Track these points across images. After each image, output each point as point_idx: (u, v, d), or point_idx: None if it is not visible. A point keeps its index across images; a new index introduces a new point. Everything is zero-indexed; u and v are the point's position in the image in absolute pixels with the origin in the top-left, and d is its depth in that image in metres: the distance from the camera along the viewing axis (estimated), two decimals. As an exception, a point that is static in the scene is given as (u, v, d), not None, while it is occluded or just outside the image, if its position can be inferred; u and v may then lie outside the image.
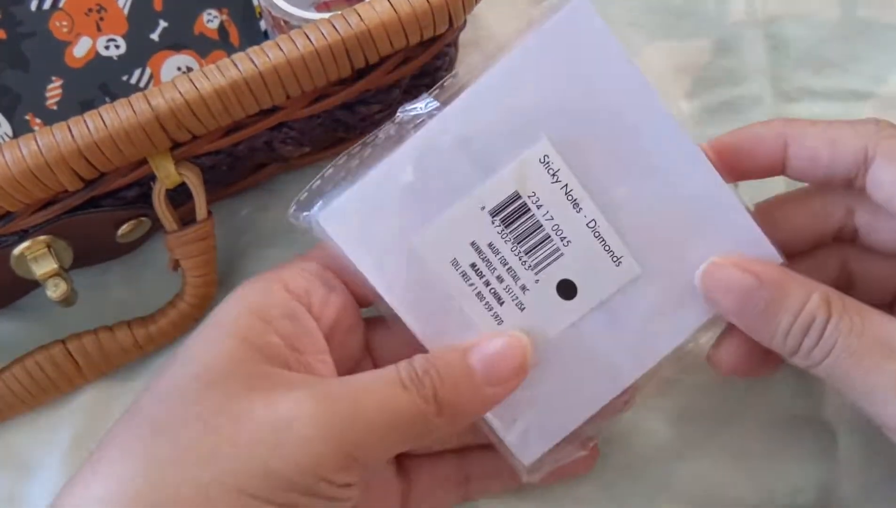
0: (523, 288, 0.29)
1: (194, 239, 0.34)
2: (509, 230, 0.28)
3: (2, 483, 0.35)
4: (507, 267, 0.28)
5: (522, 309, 0.29)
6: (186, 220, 0.34)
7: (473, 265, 0.28)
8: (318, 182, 0.29)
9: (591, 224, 0.28)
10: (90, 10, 0.36)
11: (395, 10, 0.30)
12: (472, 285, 0.28)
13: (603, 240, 0.29)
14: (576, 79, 0.28)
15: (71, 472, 0.34)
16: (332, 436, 0.24)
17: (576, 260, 0.29)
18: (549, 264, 0.29)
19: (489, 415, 0.29)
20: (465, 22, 0.35)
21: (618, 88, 0.28)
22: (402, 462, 0.32)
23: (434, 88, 0.28)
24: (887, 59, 0.40)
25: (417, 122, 0.28)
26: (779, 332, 0.27)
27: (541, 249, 0.29)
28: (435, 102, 0.28)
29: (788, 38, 0.40)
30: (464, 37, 0.39)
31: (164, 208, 0.32)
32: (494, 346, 0.27)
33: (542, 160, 0.28)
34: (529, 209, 0.28)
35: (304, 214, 0.29)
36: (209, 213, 0.34)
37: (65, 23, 0.36)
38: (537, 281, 0.29)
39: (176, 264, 0.35)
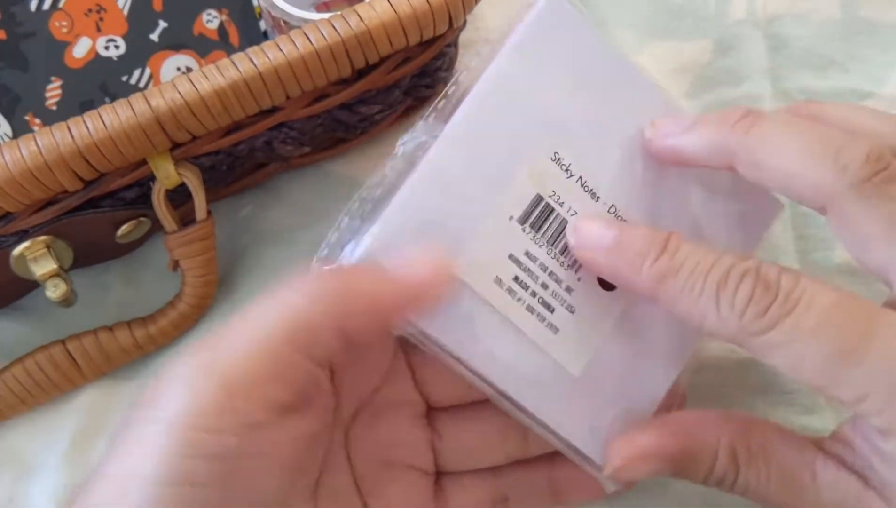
0: (568, 289, 0.28)
1: (194, 239, 0.34)
2: (540, 234, 0.28)
3: (2, 483, 0.35)
4: (548, 272, 0.28)
5: (573, 311, 0.28)
6: (186, 220, 0.34)
7: (517, 279, 0.28)
8: (336, 234, 0.28)
9: (612, 210, 0.28)
10: (90, 10, 0.36)
11: (395, 10, 0.30)
12: (519, 299, 0.28)
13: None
14: (562, 72, 0.28)
15: (71, 472, 0.35)
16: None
17: None
18: None
19: (558, 427, 0.28)
20: (464, 22, 0.35)
21: (603, 72, 0.28)
22: (440, 481, 0.31)
23: (429, 112, 0.28)
24: (888, 59, 0.40)
25: (426, 148, 0.27)
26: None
27: None
28: (434, 125, 0.28)
29: (789, 38, 0.40)
30: (464, 37, 0.39)
31: (164, 208, 0.32)
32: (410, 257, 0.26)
33: (554, 158, 0.28)
34: (554, 209, 0.28)
35: (329, 267, 0.27)
36: (209, 213, 0.34)
37: (64, 23, 0.36)
38: (579, 279, 0.28)
39: (176, 265, 0.35)
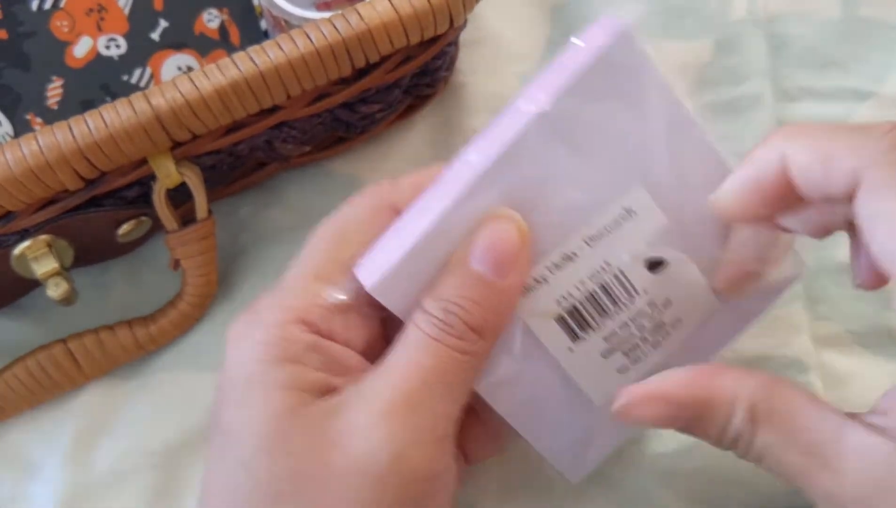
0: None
1: (195, 238, 0.34)
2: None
3: (3, 482, 0.35)
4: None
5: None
6: (187, 219, 0.34)
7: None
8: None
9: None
10: (91, 9, 0.36)
11: (395, 9, 0.30)
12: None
13: None
14: (623, 117, 0.26)
15: (72, 471, 0.35)
16: (412, 441, 0.24)
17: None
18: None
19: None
20: (465, 21, 0.35)
21: (664, 124, 0.27)
22: None
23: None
24: (888, 59, 0.40)
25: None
26: (713, 440, 0.26)
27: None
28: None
29: (790, 38, 0.40)
30: (464, 36, 0.39)
31: (165, 207, 0.32)
32: (487, 239, 0.25)
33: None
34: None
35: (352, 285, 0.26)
36: (209, 212, 0.34)
37: (65, 22, 0.36)
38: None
39: (176, 264, 0.35)
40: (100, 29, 0.36)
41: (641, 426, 0.28)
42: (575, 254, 0.27)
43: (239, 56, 0.30)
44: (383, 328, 0.28)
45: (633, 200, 0.27)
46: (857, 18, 0.40)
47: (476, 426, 0.30)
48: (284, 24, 0.34)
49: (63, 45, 0.36)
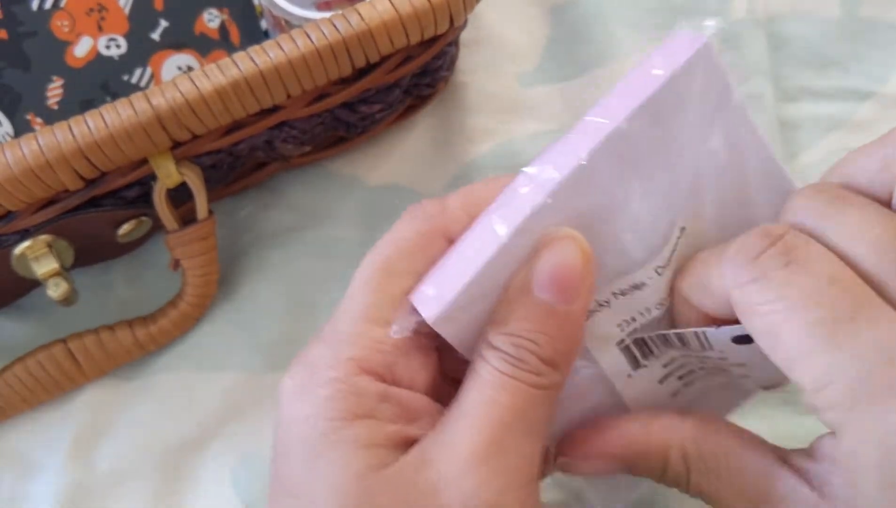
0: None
1: (195, 238, 0.34)
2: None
3: (3, 482, 0.35)
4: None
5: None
6: (187, 219, 0.34)
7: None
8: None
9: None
10: (91, 9, 0.36)
11: (396, 9, 0.30)
12: None
13: None
14: (694, 137, 0.25)
15: (72, 471, 0.35)
16: (503, 486, 0.22)
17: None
18: None
19: None
20: (465, 21, 0.35)
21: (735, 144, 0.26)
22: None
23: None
24: (889, 59, 0.40)
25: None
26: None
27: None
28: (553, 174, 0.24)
29: (789, 37, 0.40)
30: (465, 36, 0.39)
31: (165, 207, 0.32)
32: (551, 266, 0.23)
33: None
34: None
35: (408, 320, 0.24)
36: (210, 212, 0.34)
37: (66, 22, 0.36)
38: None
39: (177, 264, 0.35)
40: (100, 29, 0.36)
41: (583, 476, 0.27)
42: (644, 284, 0.26)
43: (239, 56, 0.30)
44: (440, 362, 0.26)
45: (689, 220, 0.26)
46: (857, 18, 0.40)
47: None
48: (285, 24, 0.34)
49: (63, 45, 0.36)
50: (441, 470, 0.23)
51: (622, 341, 0.26)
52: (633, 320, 0.26)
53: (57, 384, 0.35)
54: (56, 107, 0.36)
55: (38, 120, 0.36)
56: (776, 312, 0.21)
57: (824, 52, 0.40)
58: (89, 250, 0.34)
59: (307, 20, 0.33)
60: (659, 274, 0.26)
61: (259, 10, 0.38)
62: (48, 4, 0.36)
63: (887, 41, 0.40)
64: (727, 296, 0.23)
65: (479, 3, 0.33)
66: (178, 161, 0.31)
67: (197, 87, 0.29)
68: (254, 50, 0.30)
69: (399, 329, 0.24)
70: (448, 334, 0.24)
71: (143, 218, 0.34)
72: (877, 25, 0.40)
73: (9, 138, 0.35)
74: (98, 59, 0.36)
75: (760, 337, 0.22)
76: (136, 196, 0.33)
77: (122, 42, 0.37)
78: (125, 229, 0.34)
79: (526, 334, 0.23)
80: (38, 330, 0.36)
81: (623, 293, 0.26)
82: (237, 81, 0.29)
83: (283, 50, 0.29)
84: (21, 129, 0.36)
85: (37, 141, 0.28)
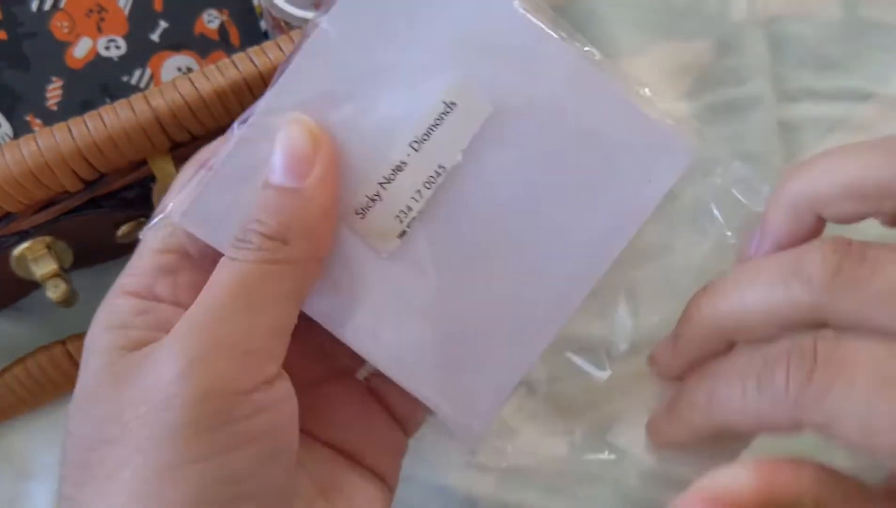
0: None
1: (195, 240, 0.34)
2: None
3: (3, 483, 0.35)
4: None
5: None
6: (187, 220, 0.34)
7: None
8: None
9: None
10: (91, 10, 0.36)
11: (395, 10, 0.30)
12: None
13: None
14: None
15: (71, 473, 0.35)
16: (212, 358, 0.23)
17: None
18: None
19: (421, 390, 0.27)
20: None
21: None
22: (370, 384, 0.30)
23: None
24: (889, 59, 0.39)
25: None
26: None
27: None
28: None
29: (790, 38, 0.40)
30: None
31: (165, 208, 0.32)
32: (275, 150, 0.25)
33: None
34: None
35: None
36: (209, 213, 0.34)
37: (65, 23, 0.36)
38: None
39: (176, 265, 0.35)
40: (100, 30, 0.36)
41: None
42: (404, 163, 0.26)
43: (238, 57, 0.30)
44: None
45: (453, 92, 0.25)
46: (858, 19, 0.40)
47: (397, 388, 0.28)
48: (284, 25, 0.34)
49: (63, 46, 0.36)
50: (151, 355, 0.23)
51: (403, 232, 0.26)
52: (410, 209, 0.26)
53: (56, 385, 0.35)
54: (55, 108, 0.36)
55: (38, 121, 0.36)
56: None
57: (824, 53, 0.40)
58: (89, 252, 0.34)
59: (306, 21, 0.33)
60: (416, 150, 0.25)
61: (259, 10, 0.38)
62: (48, 5, 0.36)
63: (888, 42, 0.40)
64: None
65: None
66: (178, 162, 0.31)
67: (196, 88, 0.29)
68: (253, 51, 0.30)
69: (155, 236, 0.26)
70: (199, 231, 0.25)
71: (143, 219, 0.34)
72: (877, 26, 0.40)
73: (8, 139, 0.35)
74: (97, 60, 0.36)
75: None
76: (136, 197, 0.33)
77: (122, 43, 0.37)
78: (124, 230, 0.34)
79: (254, 216, 0.24)
80: (38, 332, 0.36)
81: (388, 180, 0.26)
82: (236, 82, 0.29)
83: (282, 51, 0.29)
84: (20, 130, 0.36)
85: (36, 142, 0.28)
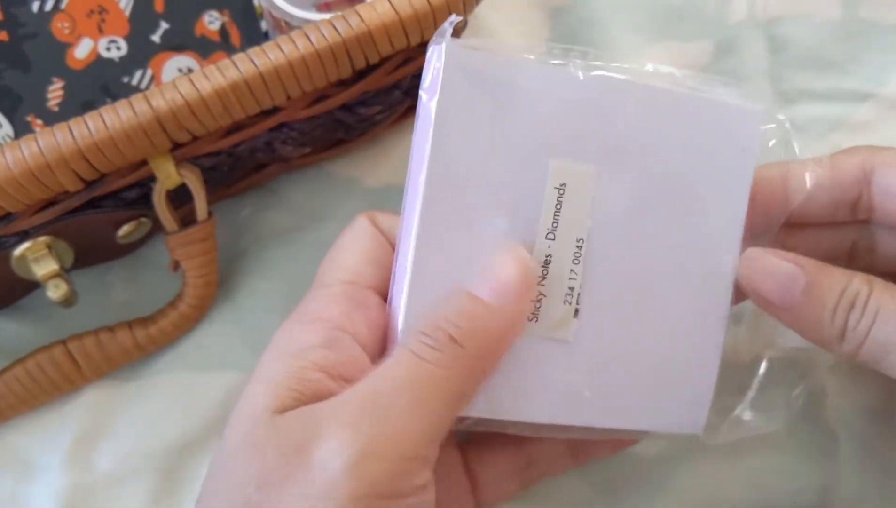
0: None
1: (195, 240, 0.34)
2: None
3: (3, 484, 0.35)
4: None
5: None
6: (187, 220, 0.34)
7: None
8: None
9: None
10: (91, 11, 0.36)
11: (395, 10, 0.30)
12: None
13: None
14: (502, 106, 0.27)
15: (72, 472, 0.35)
16: (378, 456, 0.23)
17: None
18: None
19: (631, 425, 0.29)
20: (465, 23, 0.35)
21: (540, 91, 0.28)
22: (466, 456, 0.31)
23: None
24: (888, 60, 0.40)
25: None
26: (826, 312, 0.27)
27: None
28: None
29: (789, 39, 0.40)
30: (464, 37, 0.39)
31: (165, 208, 0.32)
32: (493, 275, 0.26)
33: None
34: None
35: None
36: (210, 213, 0.34)
37: (66, 24, 0.36)
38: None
39: (176, 265, 0.35)
40: (100, 31, 0.36)
41: (758, 292, 0.28)
42: (549, 256, 0.27)
43: (239, 57, 0.30)
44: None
45: (557, 175, 0.27)
46: (857, 20, 0.40)
47: (490, 462, 0.30)
48: (285, 26, 0.34)
49: (64, 47, 0.36)
50: (321, 425, 0.23)
51: (576, 311, 0.28)
52: (571, 289, 0.28)
53: (56, 385, 0.35)
54: (56, 108, 0.36)
55: (39, 122, 0.36)
56: None
57: (824, 54, 0.40)
58: (89, 252, 0.34)
59: (307, 22, 0.33)
60: (553, 239, 0.27)
61: (259, 11, 0.38)
62: (49, 6, 0.36)
63: (886, 43, 0.40)
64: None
65: (479, 4, 0.33)
66: (178, 163, 0.31)
67: (197, 88, 0.29)
68: (253, 51, 0.30)
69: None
70: None
71: (143, 219, 0.34)
72: (876, 27, 0.40)
73: (9, 140, 0.35)
74: (98, 61, 0.36)
75: None
76: (136, 197, 0.33)
77: (123, 44, 0.37)
78: (125, 230, 0.34)
79: (446, 315, 0.25)
80: (38, 331, 0.36)
81: (544, 277, 0.27)
82: (237, 82, 0.29)
83: (282, 52, 0.29)
84: (21, 130, 0.36)
85: (37, 143, 0.28)
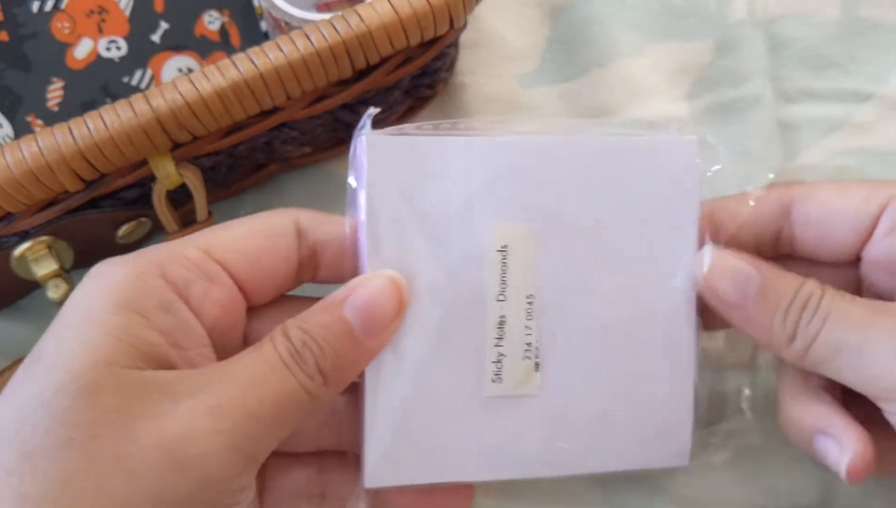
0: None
1: (195, 240, 0.34)
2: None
3: (3, 484, 0.35)
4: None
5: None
6: (187, 221, 0.34)
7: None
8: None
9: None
10: (91, 11, 0.36)
11: (395, 10, 0.30)
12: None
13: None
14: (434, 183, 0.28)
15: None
16: (229, 446, 0.23)
17: None
18: None
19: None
20: (465, 23, 0.35)
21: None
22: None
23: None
24: (888, 60, 0.40)
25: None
26: (778, 313, 0.27)
27: None
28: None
29: (789, 39, 0.40)
30: (464, 37, 0.39)
31: (165, 208, 0.32)
32: (368, 292, 0.26)
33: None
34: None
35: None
36: (210, 213, 0.34)
37: (66, 24, 0.36)
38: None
39: (177, 265, 0.35)
40: (100, 31, 0.36)
41: (719, 293, 0.28)
42: (503, 317, 0.28)
43: (239, 57, 0.30)
44: (242, 320, 0.28)
45: (498, 238, 0.28)
46: (857, 19, 0.40)
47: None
48: (285, 26, 0.34)
49: (64, 47, 0.36)
50: (179, 404, 0.23)
51: (537, 365, 0.29)
52: (530, 344, 0.28)
53: (57, 385, 0.35)
54: (56, 108, 0.36)
55: (39, 122, 0.36)
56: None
57: (824, 54, 0.40)
58: (89, 252, 0.34)
59: (307, 22, 0.33)
60: (504, 299, 0.28)
61: (259, 11, 0.38)
62: (49, 6, 0.36)
63: (887, 43, 0.40)
64: None
65: (479, 4, 0.33)
66: (178, 163, 0.31)
67: (196, 88, 0.29)
68: (253, 51, 0.30)
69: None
70: None
71: (143, 219, 0.34)
72: (877, 26, 0.40)
73: (9, 140, 0.35)
74: (98, 61, 0.36)
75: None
76: (136, 197, 0.33)
77: (123, 44, 0.37)
78: (125, 230, 0.34)
79: (317, 337, 0.25)
80: (38, 332, 0.36)
81: (500, 338, 0.28)
82: (237, 82, 0.29)
83: (282, 52, 0.29)
84: (21, 130, 0.36)
85: (37, 143, 0.28)
